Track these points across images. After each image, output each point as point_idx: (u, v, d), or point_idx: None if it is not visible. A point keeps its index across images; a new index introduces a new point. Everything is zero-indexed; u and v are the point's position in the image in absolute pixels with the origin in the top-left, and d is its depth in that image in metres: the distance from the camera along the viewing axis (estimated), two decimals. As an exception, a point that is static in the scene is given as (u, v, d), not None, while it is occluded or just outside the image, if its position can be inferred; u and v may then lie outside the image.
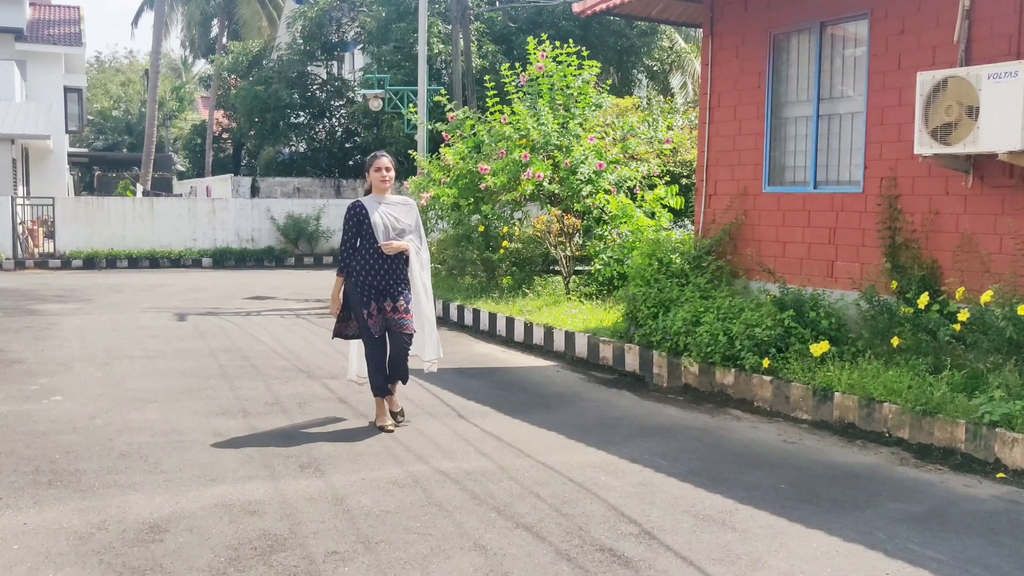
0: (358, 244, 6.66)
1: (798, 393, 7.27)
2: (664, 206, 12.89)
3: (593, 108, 13.92)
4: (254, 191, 30.04)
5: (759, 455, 6.28)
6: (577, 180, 12.71)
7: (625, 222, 12.31)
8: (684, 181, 14.06)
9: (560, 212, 12.55)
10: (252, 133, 33.69)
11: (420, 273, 6.79)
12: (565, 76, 13.68)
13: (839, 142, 8.46)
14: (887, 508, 5.18)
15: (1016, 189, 6.97)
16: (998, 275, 6.94)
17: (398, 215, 6.68)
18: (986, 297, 6.56)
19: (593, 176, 12.79)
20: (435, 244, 15.27)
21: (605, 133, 13.88)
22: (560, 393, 8.28)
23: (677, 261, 9.36)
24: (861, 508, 5.17)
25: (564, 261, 12.54)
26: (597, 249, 12.34)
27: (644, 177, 13.46)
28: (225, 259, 24.52)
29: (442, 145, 15.10)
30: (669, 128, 14.61)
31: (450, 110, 15.28)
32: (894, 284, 7.57)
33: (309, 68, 32.93)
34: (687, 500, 5.27)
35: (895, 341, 7.14)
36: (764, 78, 9.06)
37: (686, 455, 6.24)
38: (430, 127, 16.62)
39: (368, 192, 6.86)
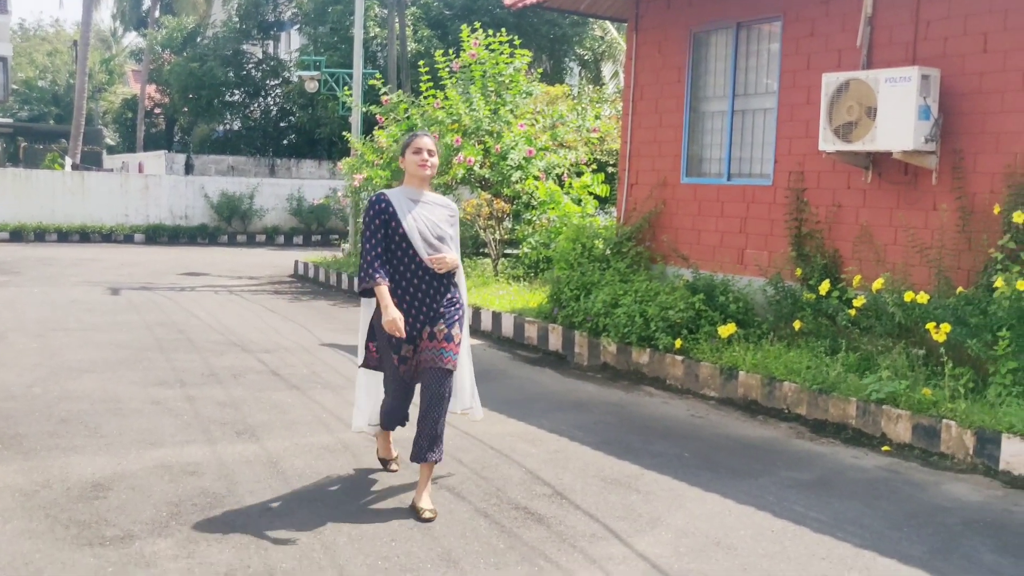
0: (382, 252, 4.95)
1: (706, 372, 7.77)
2: (590, 193, 13.35)
3: (524, 96, 14.32)
4: (188, 168, 29.85)
5: (668, 428, 6.75)
6: (507, 166, 13.10)
7: (553, 208, 12.74)
8: (610, 169, 14.55)
9: (490, 196, 12.93)
10: (186, 109, 33.45)
11: (465, 292, 5.28)
12: (497, 64, 14.04)
13: (752, 137, 8.99)
14: (780, 476, 5.67)
15: (909, 186, 7.55)
16: (891, 264, 7.52)
17: (437, 219, 5.01)
18: (878, 284, 7.12)
19: (523, 162, 13.19)
20: (368, 225, 15.56)
21: (535, 120, 14.29)
22: (486, 370, 8.66)
23: (600, 246, 9.82)
24: (756, 476, 5.66)
25: (493, 244, 12.94)
26: (525, 233, 12.77)
27: (572, 164, 13.90)
28: (158, 235, 24.42)
29: (376, 128, 15.35)
30: (597, 117, 15.07)
31: (384, 93, 15.54)
32: (798, 271, 8.12)
33: (244, 47, 32.79)
34: (598, 466, 5.71)
35: (797, 324, 7.68)
36: (684, 73, 9.54)
37: (600, 427, 6.68)
38: (365, 110, 16.83)
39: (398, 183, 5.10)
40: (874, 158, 7.71)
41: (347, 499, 4.93)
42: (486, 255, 13.73)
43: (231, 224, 25.44)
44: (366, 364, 5.29)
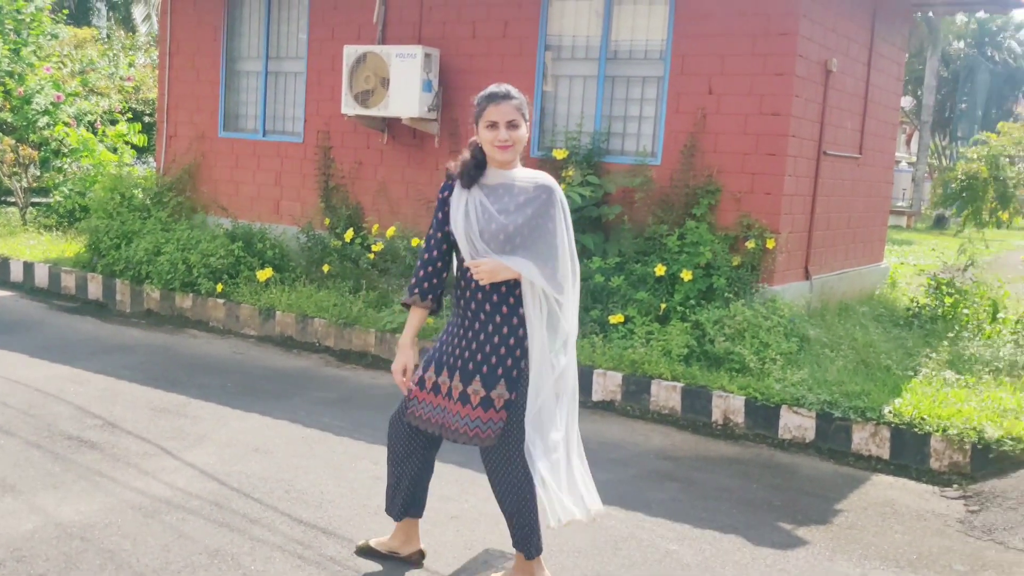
0: (444, 257, 3.79)
1: (247, 313, 8.53)
2: (127, 142, 13.30)
3: (49, 37, 13.76)
4: None
5: (212, 364, 7.44)
6: (32, 110, 12.61)
7: (86, 156, 12.54)
8: (147, 119, 14.51)
9: (14, 142, 12.38)
10: None
11: (543, 330, 3.64)
12: (16, 0, 13.34)
13: (285, 97, 9.80)
14: (311, 396, 6.65)
15: (417, 147, 8.87)
16: (403, 215, 8.82)
17: (506, 206, 3.62)
18: (391, 232, 8.36)
19: (51, 107, 12.77)
20: None
21: (63, 64, 13.81)
22: (21, 320, 8.63)
23: (139, 196, 10.08)
24: (290, 397, 6.58)
25: (20, 192, 12.44)
26: (56, 181, 12.44)
27: (105, 112, 13.69)
28: None
29: None
30: (131, 65, 14.91)
31: None
32: (327, 221, 9.15)
33: None
34: (147, 399, 6.27)
35: (326, 268, 8.71)
36: (220, 33, 10.06)
37: (147, 366, 7.18)
38: None
39: (471, 165, 3.68)
40: (389, 122, 8.92)
41: None
42: (13, 203, 13.10)
43: None
44: (406, 413, 3.90)
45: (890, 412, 5.87)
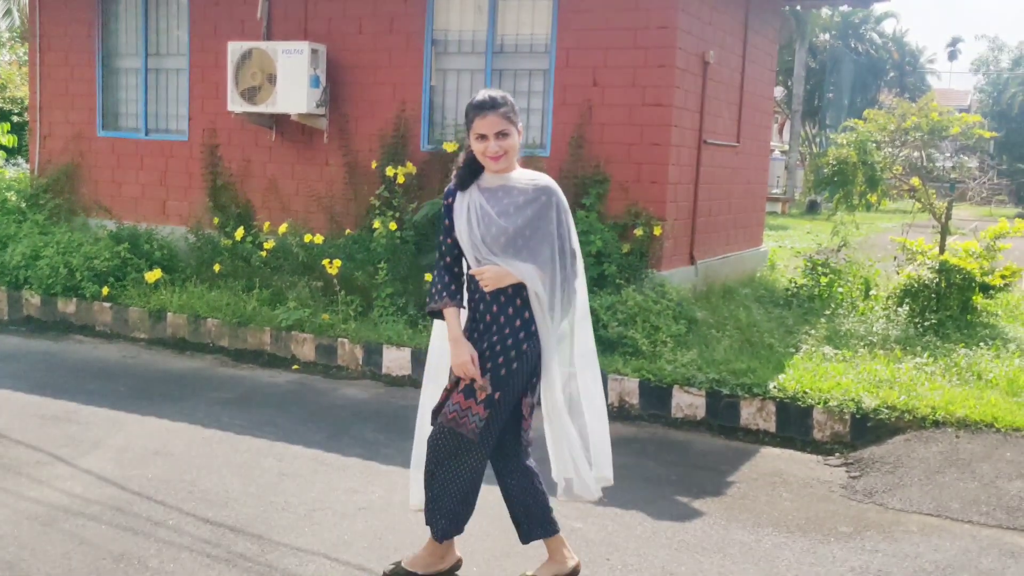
0: (458, 260, 3.81)
1: (136, 316, 8.33)
2: (-4, 144, 12.76)
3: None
4: None
5: (101, 369, 7.25)
6: None
7: (-47, 159, 12.01)
8: (16, 119, 13.95)
9: None
10: None
11: (552, 325, 3.73)
12: None
13: (167, 94, 9.59)
14: (208, 397, 6.57)
15: (306, 144, 8.82)
16: (294, 212, 8.76)
17: (505, 207, 3.65)
18: (283, 229, 8.29)
19: (-88, 109, 12.18)
20: None
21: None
22: None
23: (12, 199, 9.72)
24: (187, 399, 6.49)
25: None
26: (-80, 186, 11.85)
27: (-29, 112, 13.12)
28: None
29: None
30: (-3, 63, 14.29)
31: None
32: (216, 220, 9.01)
33: None
34: (34, 406, 6.09)
35: (217, 267, 8.57)
36: (95, 29, 9.77)
37: (32, 374, 6.96)
38: None
39: (465, 170, 3.73)
40: (277, 119, 8.84)
41: None
42: None
43: None
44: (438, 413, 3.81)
45: (775, 388, 6.16)
